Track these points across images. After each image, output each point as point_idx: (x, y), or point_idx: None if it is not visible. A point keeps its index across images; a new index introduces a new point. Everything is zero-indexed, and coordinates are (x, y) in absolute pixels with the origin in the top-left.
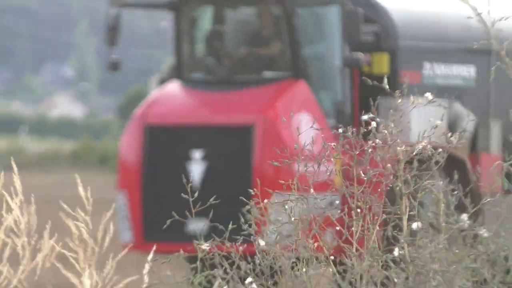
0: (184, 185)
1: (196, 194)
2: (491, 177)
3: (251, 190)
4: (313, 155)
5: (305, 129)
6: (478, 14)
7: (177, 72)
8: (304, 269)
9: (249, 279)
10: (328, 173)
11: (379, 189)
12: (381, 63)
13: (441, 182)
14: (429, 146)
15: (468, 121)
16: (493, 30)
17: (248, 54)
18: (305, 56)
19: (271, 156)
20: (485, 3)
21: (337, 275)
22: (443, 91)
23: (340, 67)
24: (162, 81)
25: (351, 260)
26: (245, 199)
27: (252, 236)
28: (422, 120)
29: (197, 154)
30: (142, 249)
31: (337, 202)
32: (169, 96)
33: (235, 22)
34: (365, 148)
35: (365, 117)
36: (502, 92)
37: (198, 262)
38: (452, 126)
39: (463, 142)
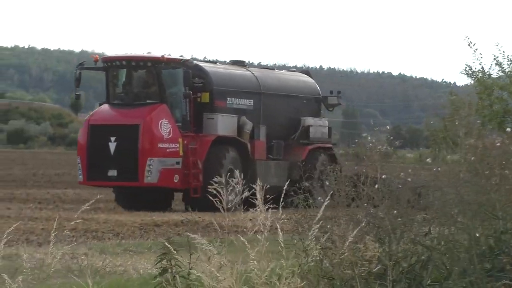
0: (107, 153)
1: (112, 157)
2: (259, 151)
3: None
4: (168, 139)
5: (165, 127)
6: (253, 74)
7: (107, 100)
8: None
9: None
10: (176, 147)
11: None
12: (205, 97)
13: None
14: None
15: (249, 126)
16: (260, 81)
17: (139, 91)
18: (166, 92)
19: (148, 140)
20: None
21: None
22: (237, 111)
23: (182, 98)
24: (100, 104)
25: None
26: (135, 161)
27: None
28: (225, 124)
29: (113, 138)
30: (86, 185)
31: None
32: (102, 110)
33: (134, 75)
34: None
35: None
36: (266, 113)
37: None
38: (242, 127)
39: (247, 135)
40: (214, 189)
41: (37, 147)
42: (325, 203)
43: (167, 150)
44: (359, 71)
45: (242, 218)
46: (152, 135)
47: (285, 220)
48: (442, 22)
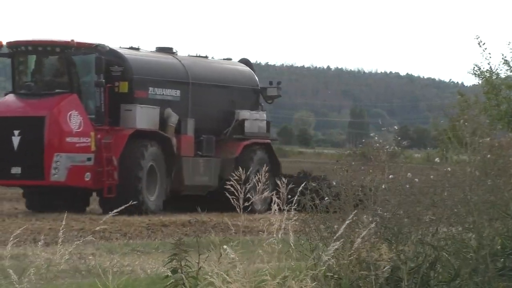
0: (10, 148)
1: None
2: (186, 147)
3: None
4: (78, 132)
5: (75, 119)
6: (180, 62)
7: (12, 89)
8: None
9: None
10: (88, 142)
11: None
12: (124, 86)
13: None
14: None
15: (175, 118)
16: (189, 70)
17: (48, 80)
18: (77, 81)
19: (54, 134)
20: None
21: None
22: (161, 102)
23: (96, 87)
24: (6, 94)
25: None
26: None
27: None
28: (146, 117)
29: (17, 132)
30: None
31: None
32: (5, 101)
33: (42, 62)
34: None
35: None
36: (195, 105)
37: None
38: (166, 120)
39: (171, 129)
40: (231, 185)
41: None
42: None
43: (77, 145)
44: (366, 71)
45: (252, 219)
46: (59, 128)
47: (296, 222)
48: (449, 22)
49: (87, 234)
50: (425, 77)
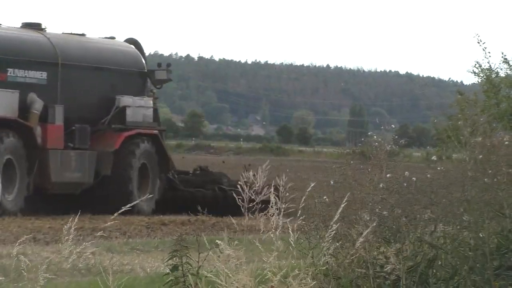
0: None
1: None
2: (54, 138)
3: None
4: None
5: None
6: (48, 39)
7: None
8: None
9: None
10: None
11: None
12: None
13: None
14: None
15: (39, 105)
16: (59, 49)
17: None
18: None
19: None
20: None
21: None
22: (22, 86)
23: None
24: None
25: None
26: None
27: None
28: (1, 102)
29: None
30: None
31: None
32: None
33: None
34: None
35: None
36: (65, 89)
37: None
38: (29, 107)
39: (35, 116)
40: (241, 186)
41: None
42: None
43: None
44: (366, 69)
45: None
46: None
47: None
48: (449, 21)
49: (87, 233)
50: (425, 76)
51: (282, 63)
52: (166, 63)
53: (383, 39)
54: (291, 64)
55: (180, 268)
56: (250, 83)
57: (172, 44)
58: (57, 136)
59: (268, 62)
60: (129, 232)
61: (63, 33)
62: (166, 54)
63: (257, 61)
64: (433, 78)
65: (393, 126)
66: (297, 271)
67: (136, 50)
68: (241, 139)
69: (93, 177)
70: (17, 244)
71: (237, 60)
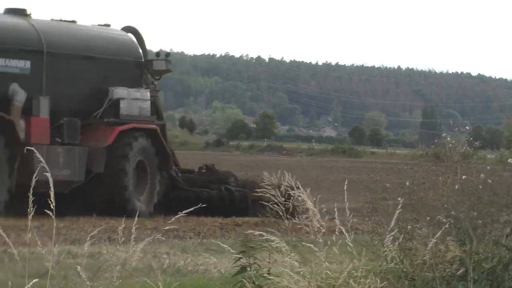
0: None
1: None
2: (39, 133)
3: None
4: None
5: None
6: (32, 26)
7: None
8: None
9: None
10: None
11: None
12: None
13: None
14: None
15: (21, 96)
16: (44, 36)
17: None
18: None
19: None
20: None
21: None
22: (4, 76)
23: None
24: None
25: None
26: None
27: None
28: None
29: None
30: None
31: None
32: None
33: None
34: None
35: None
36: (52, 80)
37: None
38: (12, 98)
39: (17, 109)
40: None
41: None
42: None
43: None
44: (437, 71)
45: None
46: None
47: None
48: None
49: (161, 233)
50: (497, 78)
51: (353, 64)
52: (165, 53)
53: (455, 40)
54: (362, 66)
55: (248, 269)
56: (320, 84)
57: (243, 46)
58: (42, 130)
59: (339, 63)
60: (203, 232)
61: (51, 19)
62: (237, 55)
63: (328, 62)
64: (505, 80)
65: (467, 127)
66: (366, 273)
67: (132, 39)
68: (313, 140)
69: (84, 174)
70: (91, 243)
71: (308, 62)
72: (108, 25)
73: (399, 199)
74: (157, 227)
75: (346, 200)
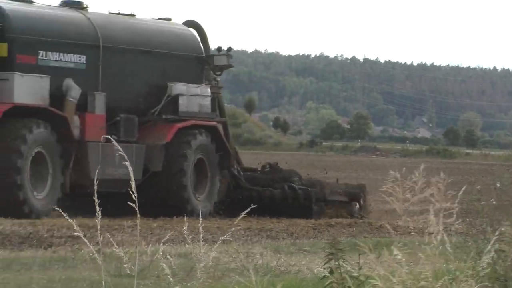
0: None
1: None
2: (94, 130)
3: None
4: None
5: None
6: (88, 19)
7: None
8: None
9: None
10: None
11: None
12: (3, 49)
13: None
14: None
15: (76, 92)
16: (100, 30)
17: None
18: None
19: None
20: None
21: None
22: (57, 71)
23: None
24: None
25: None
26: None
27: None
28: (29, 88)
29: None
30: None
31: None
32: None
33: None
34: None
35: None
36: (108, 75)
37: None
38: (64, 94)
39: (71, 105)
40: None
41: None
42: None
43: None
44: None
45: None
46: None
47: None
48: None
49: (254, 234)
50: None
51: (448, 65)
52: (227, 47)
53: None
54: (457, 66)
55: (337, 270)
56: (415, 85)
57: (338, 46)
58: (98, 127)
59: (434, 64)
60: (296, 233)
61: (109, 13)
62: (331, 56)
63: (423, 63)
64: None
65: None
66: (460, 274)
67: (193, 33)
68: (407, 141)
69: (142, 173)
70: (184, 243)
71: (403, 62)
72: (169, 19)
73: (491, 200)
74: (250, 227)
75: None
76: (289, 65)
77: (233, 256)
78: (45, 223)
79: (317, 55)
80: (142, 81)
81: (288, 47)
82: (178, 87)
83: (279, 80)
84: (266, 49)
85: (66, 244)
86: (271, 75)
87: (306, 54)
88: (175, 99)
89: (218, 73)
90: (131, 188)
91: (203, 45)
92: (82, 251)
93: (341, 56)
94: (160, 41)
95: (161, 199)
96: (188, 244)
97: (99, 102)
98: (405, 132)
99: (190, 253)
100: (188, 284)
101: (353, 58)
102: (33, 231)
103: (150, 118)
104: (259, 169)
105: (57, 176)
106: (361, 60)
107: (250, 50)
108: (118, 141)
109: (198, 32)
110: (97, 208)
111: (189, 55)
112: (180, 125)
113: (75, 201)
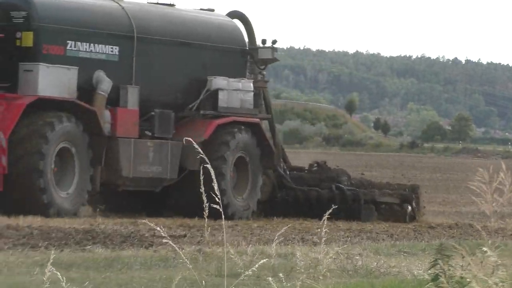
0: None
1: None
2: (126, 125)
3: None
4: None
5: None
6: (122, 8)
7: None
8: None
9: None
10: None
11: None
12: (28, 38)
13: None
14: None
15: (107, 85)
16: (135, 20)
17: None
18: None
19: None
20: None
21: None
22: (88, 62)
23: None
24: None
25: None
26: None
27: None
28: (55, 80)
29: None
30: None
31: None
32: None
33: None
34: None
35: None
36: (142, 68)
37: None
38: (95, 87)
39: (101, 99)
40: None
41: (312, 148)
42: None
43: None
44: None
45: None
46: None
47: None
48: None
49: (354, 235)
50: None
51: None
52: (271, 40)
53: None
54: (467, 60)
55: (441, 276)
56: None
57: (439, 47)
58: (131, 123)
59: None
60: (396, 234)
61: (147, 2)
62: (433, 57)
63: (427, 56)
64: None
65: None
66: None
67: (236, 25)
68: (510, 143)
69: (177, 172)
70: (285, 244)
71: (505, 64)
72: (212, 10)
73: None
74: (350, 228)
75: None
76: (390, 66)
77: (333, 257)
78: (145, 223)
79: (419, 56)
80: (180, 74)
81: (389, 48)
82: (218, 81)
83: (380, 81)
84: (367, 50)
85: (166, 243)
86: (372, 76)
87: (407, 55)
88: (214, 93)
89: (262, 67)
90: (165, 187)
91: (248, 38)
92: (183, 250)
93: (443, 57)
94: (200, 33)
95: (197, 197)
96: (287, 245)
97: (132, 96)
98: (507, 134)
99: (290, 253)
100: (288, 285)
101: (455, 59)
102: (134, 230)
103: (187, 114)
104: (307, 168)
105: (85, 173)
106: (463, 62)
107: (351, 51)
108: (152, 137)
109: (243, 24)
110: (205, 208)
111: (231, 48)
112: (219, 121)
113: (105, 198)
